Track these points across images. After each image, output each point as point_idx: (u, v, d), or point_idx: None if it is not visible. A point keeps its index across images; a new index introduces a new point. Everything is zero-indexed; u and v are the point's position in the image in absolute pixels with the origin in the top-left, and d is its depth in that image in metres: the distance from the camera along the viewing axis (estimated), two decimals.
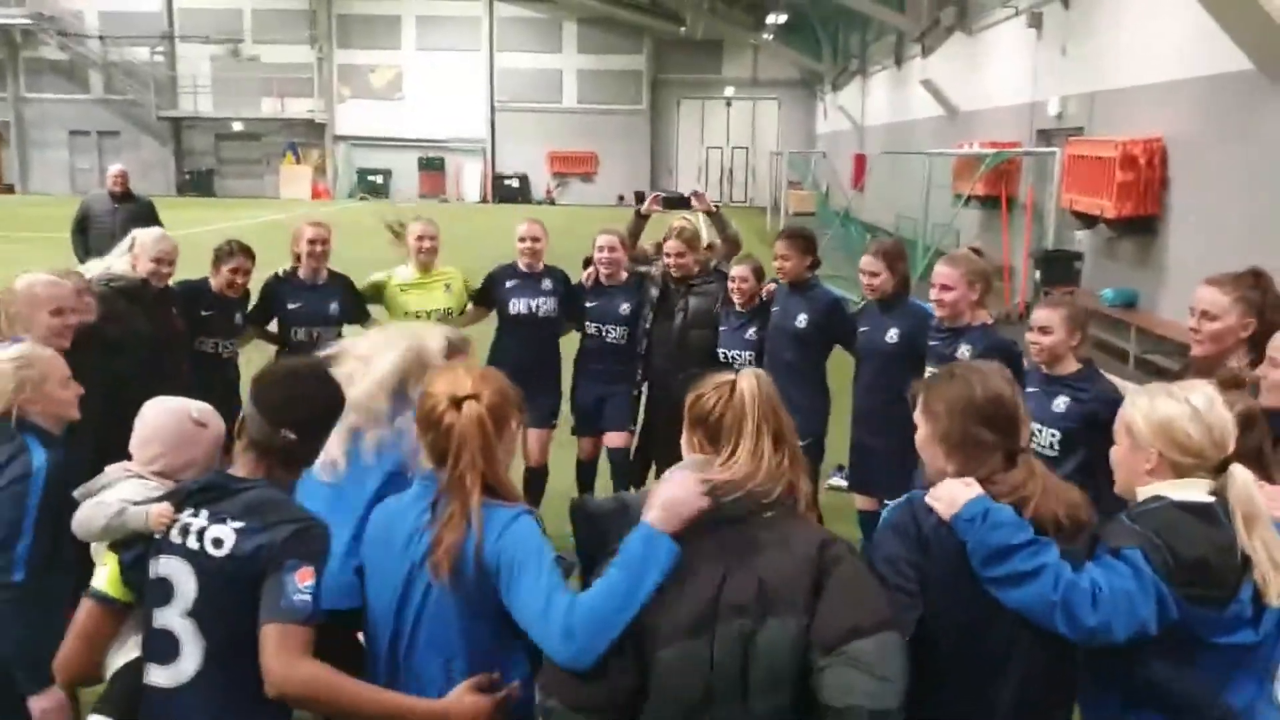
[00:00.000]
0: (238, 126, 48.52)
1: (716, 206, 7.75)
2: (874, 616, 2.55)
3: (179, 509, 3.02)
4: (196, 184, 47.42)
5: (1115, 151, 14.14)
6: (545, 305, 7.01)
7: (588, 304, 7.08)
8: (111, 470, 3.36)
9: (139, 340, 5.56)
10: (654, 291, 6.96)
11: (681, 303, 6.85)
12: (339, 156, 49.14)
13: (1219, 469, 2.78)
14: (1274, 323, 4.11)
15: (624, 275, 7.01)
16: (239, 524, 2.95)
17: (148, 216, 12.30)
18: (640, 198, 8.28)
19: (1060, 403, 4.68)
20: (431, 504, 2.90)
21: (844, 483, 6.78)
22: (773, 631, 2.55)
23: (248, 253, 6.49)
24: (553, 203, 47.20)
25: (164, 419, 3.43)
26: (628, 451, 7.15)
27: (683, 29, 45.71)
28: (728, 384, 2.84)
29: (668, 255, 6.87)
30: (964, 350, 5.41)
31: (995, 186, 19.16)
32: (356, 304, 6.94)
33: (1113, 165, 14.16)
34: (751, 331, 6.53)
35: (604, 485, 7.12)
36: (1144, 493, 2.84)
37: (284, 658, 2.79)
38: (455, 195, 48.44)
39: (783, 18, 42.09)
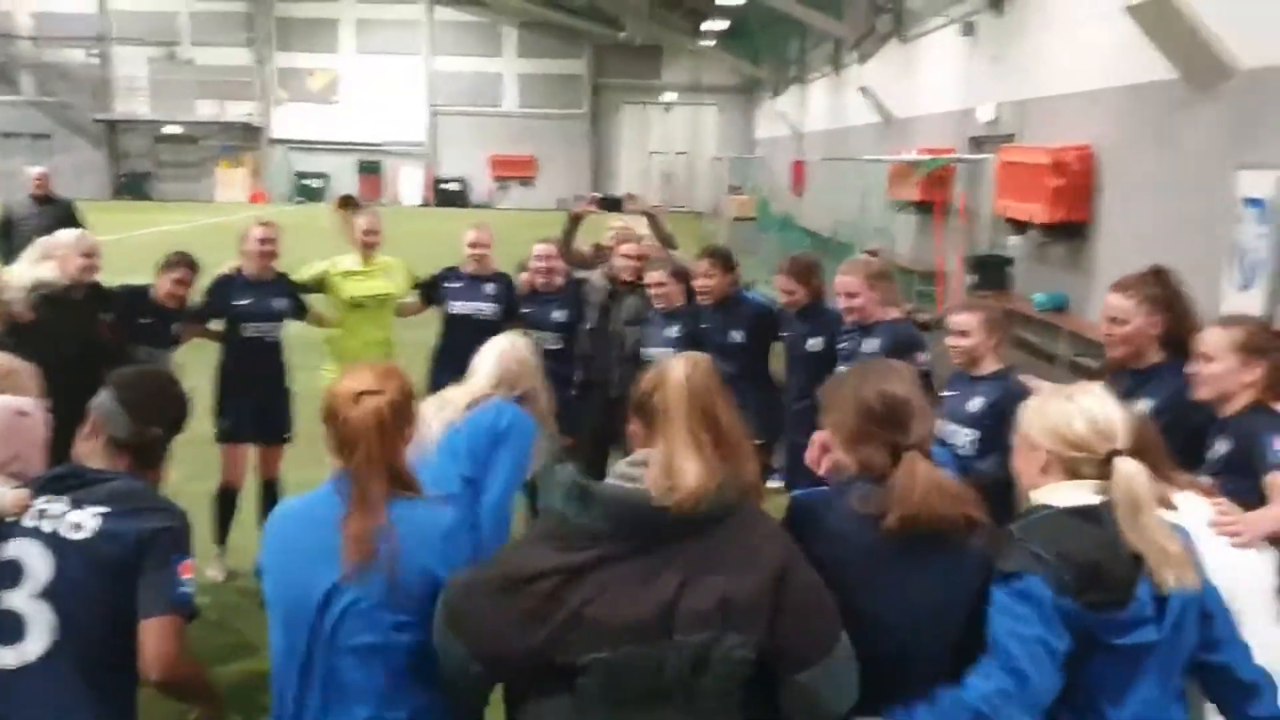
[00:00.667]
0: (174, 129, 47.97)
1: (651, 207, 7.85)
2: (833, 630, 2.59)
3: (34, 495, 3.12)
4: (132, 187, 46.86)
5: (1046, 158, 14.35)
6: (486, 309, 7.13)
7: (524, 310, 7.19)
8: None
9: (64, 345, 5.55)
10: (596, 296, 7.08)
11: (622, 300, 7.02)
12: (276, 160, 48.71)
13: (1107, 462, 2.78)
14: (1184, 316, 4.27)
15: (559, 282, 7.11)
16: (103, 509, 3.06)
17: (70, 218, 12.18)
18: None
19: (976, 403, 4.78)
20: (339, 498, 2.93)
21: (780, 484, 6.90)
22: (730, 646, 2.50)
23: (192, 264, 6.51)
24: (493, 207, 47.10)
25: None
26: (573, 450, 7.26)
27: (622, 34, 45.77)
28: (662, 368, 2.79)
29: (626, 258, 7.00)
30: (870, 345, 5.60)
31: (930, 192, 19.34)
32: (300, 301, 7.07)
33: (1043, 172, 14.39)
34: (674, 330, 6.63)
35: None
36: (1036, 496, 2.87)
37: (174, 647, 2.98)
38: (393, 199, 48.19)
39: (722, 24, 42.34)
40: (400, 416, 2.97)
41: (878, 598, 2.72)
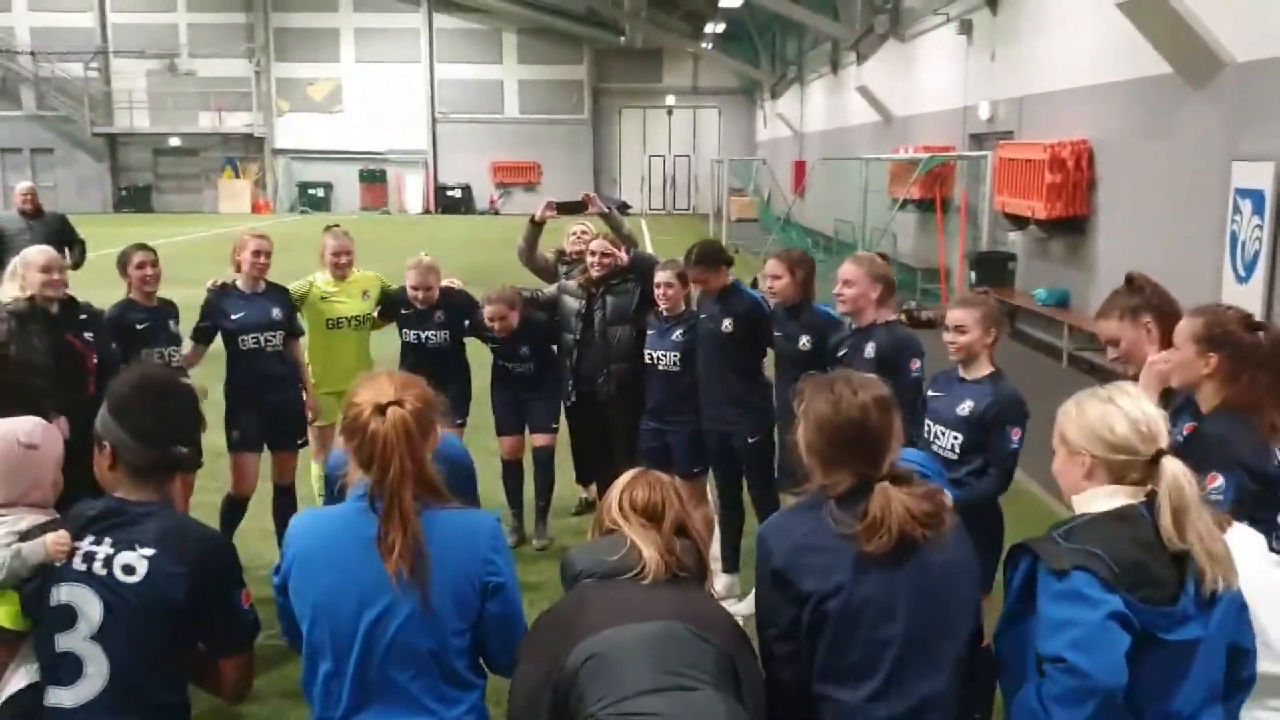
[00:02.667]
0: (175, 142, 47.95)
1: (609, 208, 7.89)
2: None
3: (77, 537, 3.03)
4: (134, 200, 46.83)
5: (1044, 154, 14.42)
6: (435, 338, 7.18)
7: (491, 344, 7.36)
8: None
9: (41, 364, 5.28)
10: (574, 303, 7.16)
11: (600, 302, 7.07)
12: (279, 170, 48.78)
13: (1153, 464, 2.73)
14: (1172, 313, 4.13)
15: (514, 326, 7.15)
16: (150, 550, 2.98)
17: (62, 231, 12.18)
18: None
19: (965, 406, 4.76)
20: (371, 511, 2.91)
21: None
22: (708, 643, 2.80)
23: (144, 248, 6.53)
24: (496, 213, 47.11)
25: None
26: (552, 451, 7.40)
27: (622, 38, 45.87)
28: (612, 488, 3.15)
29: (592, 254, 7.05)
30: (869, 349, 5.48)
31: (930, 190, 19.44)
32: (294, 313, 7.06)
33: (1042, 167, 14.46)
34: (679, 334, 6.58)
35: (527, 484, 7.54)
36: (1079, 502, 2.83)
37: (251, 680, 3.23)
38: (398, 207, 48.26)
39: (721, 27, 42.43)
40: (424, 424, 2.94)
41: (870, 597, 2.80)
